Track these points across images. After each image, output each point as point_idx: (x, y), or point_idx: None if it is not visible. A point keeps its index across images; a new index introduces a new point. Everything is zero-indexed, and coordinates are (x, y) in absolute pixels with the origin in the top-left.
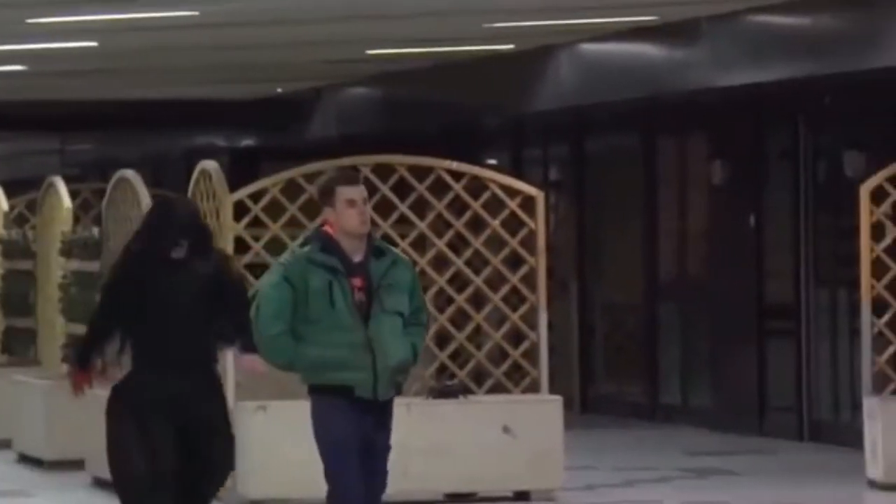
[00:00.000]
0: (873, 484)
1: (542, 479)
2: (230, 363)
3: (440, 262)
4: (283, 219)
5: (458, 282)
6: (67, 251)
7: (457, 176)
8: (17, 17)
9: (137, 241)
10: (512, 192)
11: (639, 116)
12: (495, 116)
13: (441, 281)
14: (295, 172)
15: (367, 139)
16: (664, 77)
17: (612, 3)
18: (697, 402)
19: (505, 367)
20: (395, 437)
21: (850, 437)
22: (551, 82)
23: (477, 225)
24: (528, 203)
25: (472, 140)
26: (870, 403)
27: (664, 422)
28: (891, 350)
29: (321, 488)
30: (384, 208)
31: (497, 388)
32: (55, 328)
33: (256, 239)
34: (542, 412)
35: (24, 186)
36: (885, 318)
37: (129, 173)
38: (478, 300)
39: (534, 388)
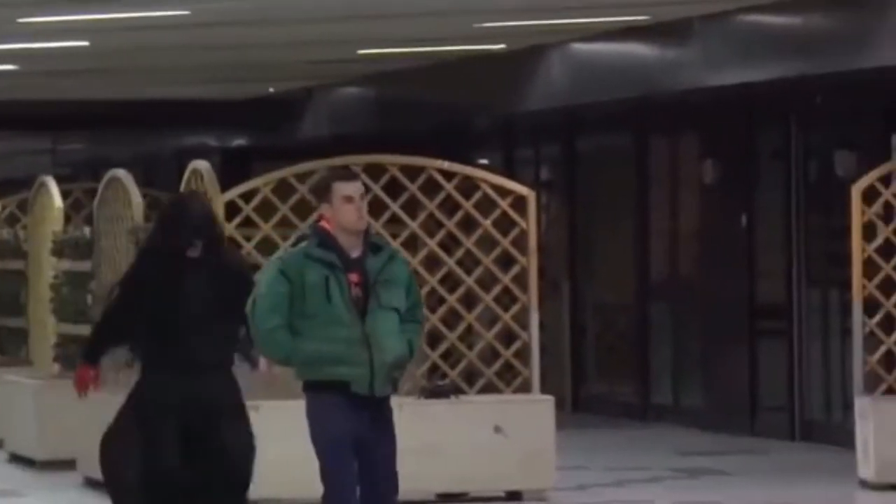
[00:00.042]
0: (865, 484)
1: (533, 478)
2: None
3: (432, 262)
4: (275, 219)
5: (450, 282)
6: (59, 251)
7: (448, 176)
8: (7, 17)
9: (153, 240)
10: (503, 192)
11: (630, 116)
12: (487, 116)
13: (433, 281)
14: (286, 172)
15: (358, 139)
16: (656, 77)
17: (604, 3)
18: (689, 402)
19: (496, 367)
20: None
21: (841, 436)
22: (543, 82)
23: (468, 225)
24: (519, 203)
25: (464, 140)
26: (861, 403)
27: (656, 422)
28: (882, 350)
29: (315, 488)
30: (376, 208)
31: (488, 388)
32: (46, 328)
33: (248, 239)
34: (534, 412)
35: (16, 186)
36: (877, 317)
37: (121, 173)
38: (469, 300)
39: (525, 387)
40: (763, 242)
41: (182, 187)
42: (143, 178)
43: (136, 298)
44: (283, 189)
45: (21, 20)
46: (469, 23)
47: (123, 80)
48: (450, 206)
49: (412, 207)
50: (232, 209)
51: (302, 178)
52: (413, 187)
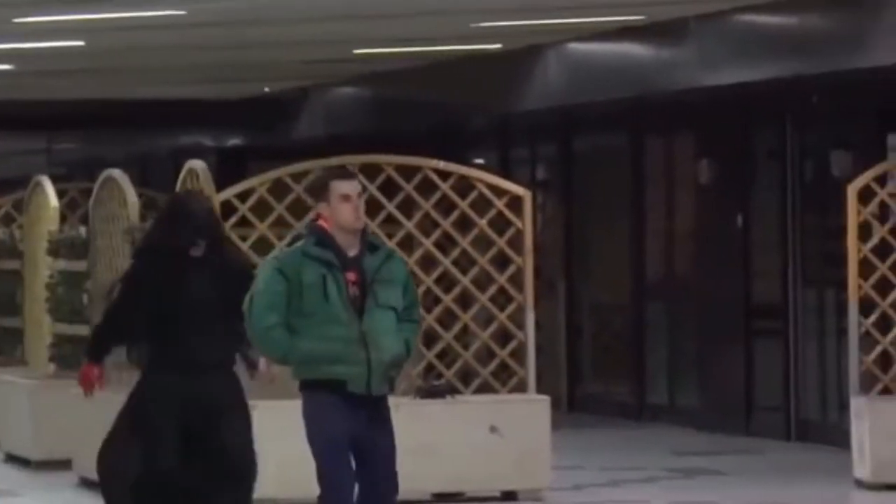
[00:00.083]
0: (860, 483)
1: (529, 478)
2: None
3: (427, 262)
4: (271, 218)
5: (446, 281)
6: (54, 251)
7: (444, 175)
8: (3, 17)
9: (154, 239)
10: (499, 192)
11: (626, 116)
12: (482, 116)
13: (428, 281)
14: (282, 172)
15: (354, 139)
16: (651, 76)
17: (600, 3)
18: (684, 402)
19: (492, 366)
20: None
21: (837, 436)
22: (538, 82)
23: (464, 224)
24: (515, 203)
25: (460, 139)
26: (857, 403)
27: (651, 422)
28: (878, 350)
29: (311, 488)
30: (371, 208)
31: (484, 388)
32: (42, 328)
33: (244, 239)
34: (530, 412)
35: (11, 186)
36: (873, 317)
37: (116, 173)
38: (465, 300)
39: (521, 387)
40: (759, 242)
41: (178, 187)
42: (139, 177)
43: (139, 297)
44: (278, 189)
45: (16, 20)
46: (465, 22)
47: (119, 80)
48: (445, 206)
49: (408, 207)
50: (227, 209)
51: (297, 177)
52: (409, 187)
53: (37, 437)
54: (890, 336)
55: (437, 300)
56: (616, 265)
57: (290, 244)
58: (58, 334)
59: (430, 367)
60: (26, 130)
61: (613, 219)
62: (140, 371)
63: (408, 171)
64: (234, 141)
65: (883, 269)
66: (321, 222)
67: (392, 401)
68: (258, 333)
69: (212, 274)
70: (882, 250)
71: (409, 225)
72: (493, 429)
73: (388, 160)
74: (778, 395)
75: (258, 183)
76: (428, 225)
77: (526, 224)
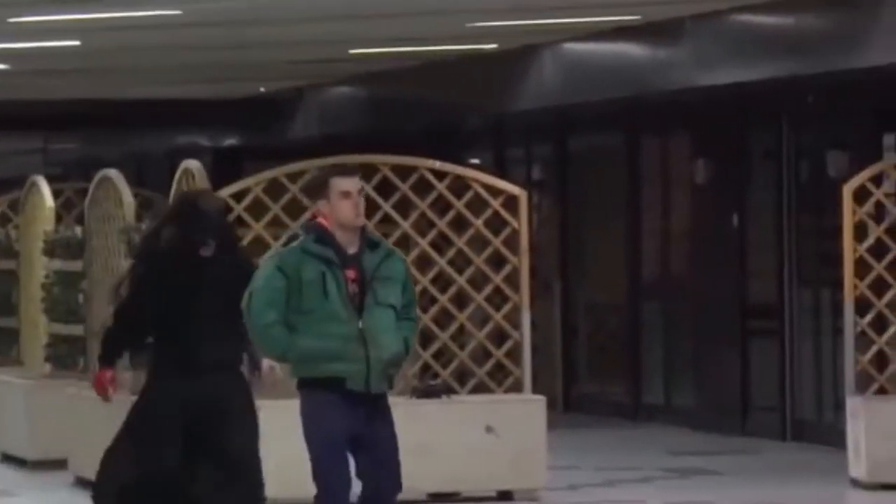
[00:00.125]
0: (856, 483)
1: (525, 478)
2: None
3: (424, 262)
4: (266, 218)
5: (442, 281)
6: (50, 251)
7: (440, 175)
8: None
9: (164, 239)
10: (495, 192)
11: (622, 116)
12: (478, 116)
13: (424, 280)
14: (278, 172)
15: (349, 139)
16: (647, 76)
17: (596, 3)
18: (680, 402)
19: (488, 366)
20: None
21: (833, 436)
22: (534, 82)
23: (460, 224)
24: (511, 202)
25: (455, 139)
26: (853, 403)
27: (647, 422)
28: (874, 350)
29: (309, 488)
30: (367, 208)
31: (480, 388)
32: (38, 328)
33: (239, 239)
34: (525, 412)
35: (7, 186)
36: (868, 317)
37: (112, 172)
38: (461, 300)
39: (517, 387)
40: (755, 242)
41: (174, 187)
42: (135, 177)
43: (149, 300)
44: (274, 189)
45: (12, 20)
46: (461, 22)
47: (114, 80)
48: (441, 206)
49: (404, 207)
50: None
51: (293, 177)
52: (405, 187)
53: (32, 436)
54: (886, 336)
55: (433, 300)
56: (612, 265)
57: (285, 244)
58: (53, 334)
59: (426, 367)
60: (22, 130)
61: (609, 219)
62: (148, 372)
63: (404, 171)
64: (229, 141)
65: (879, 268)
66: (321, 219)
67: (389, 400)
68: (257, 330)
69: (220, 275)
70: (878, 250)
71: (405, 225)
72: (488, 429)
73: (384, 160)
74: (774, 394)
75: (254, 183)
76: (424, 225)
77: (522, 224)
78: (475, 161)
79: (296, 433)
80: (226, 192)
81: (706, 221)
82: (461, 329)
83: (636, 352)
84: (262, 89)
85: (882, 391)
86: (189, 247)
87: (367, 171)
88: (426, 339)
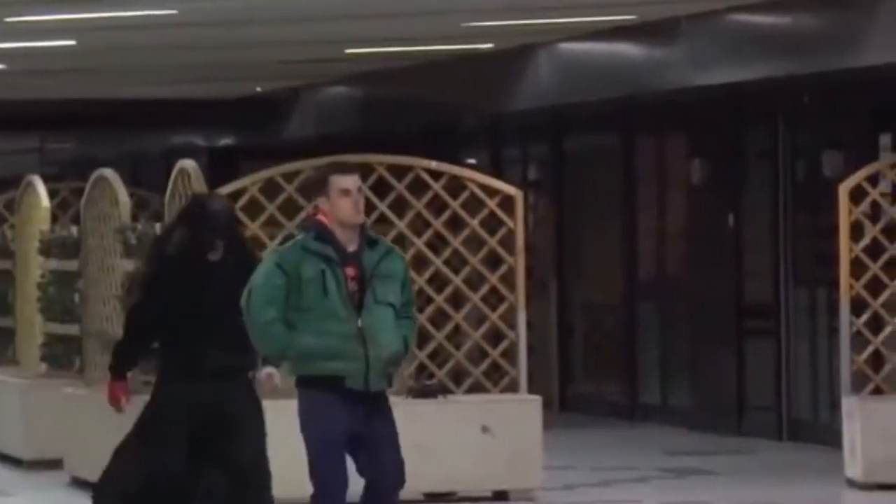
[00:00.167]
0: (852, 483)
1: (520, 478)
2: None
3: (419, 262)
4: (262, 218)
5: (438, 281)
6: (46, 250)
7: (436, 175)
8: None
9: (174, 243)
10: (491, 192)
11: (618, 116)
12: (474, 116)
13: (420, 280)
14: (273, 172)
15: (345, 138)
16: (643, 76)
17: (591, 3)
18: (676, 402)
19: (484, 366)
20: None
21: (828, 436)
22: (530, 81)
23: (456, 224)
24: (507, 202)
25: (451, 139)
26: (848, 403)
27: (643, 421)
28: (869, 349)
29: (306, 488)
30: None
31: (476, 388)
32: (34, 327)
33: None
34: (521, 412)
35: (3, 185)
36: (864, 317)
37: (108, 172)
38: (457, 300)
39: (513, 387)
40: (750, 242)
41: (169, 187)
42: (131, 177)
43: (158, 309)
44: (270, 188)
45: (8, 19)
46: (456, 22)
47: (110, 80)
48: (437, 206)
49: (400, 207)
50: None
51: (289, 177)
52: (400, 187)
53: (28, 436)
54: (881, 336)
55: (429, 300)
56: (608, 265)
57: (281, 243)
58: (49, 334)
59: (421, 367)
60: (18, 130)
61: (605, 219)
62: (155, 378)
63: (399, 171)
64: (225, 141)
65: (874, 268)
66: (321, 217)
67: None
68: (256, 328)
69: (227, 278)
70: (873, 250)
71: (401, 225)
72: (484, 429)
73: (380, 160)
74: (770, 394)
75: (250, 183)
76: (420, 225)
77: (517, 224)
78: (471, 161)
79: (295, 433)
80: (222, 191)
81: (702, 221)
82: (457, 329)
83: (632, 352)
84: (257, 89)
85: (878, 391)
86: (197, 248)
87: (362, 171)
88: (422, 338)
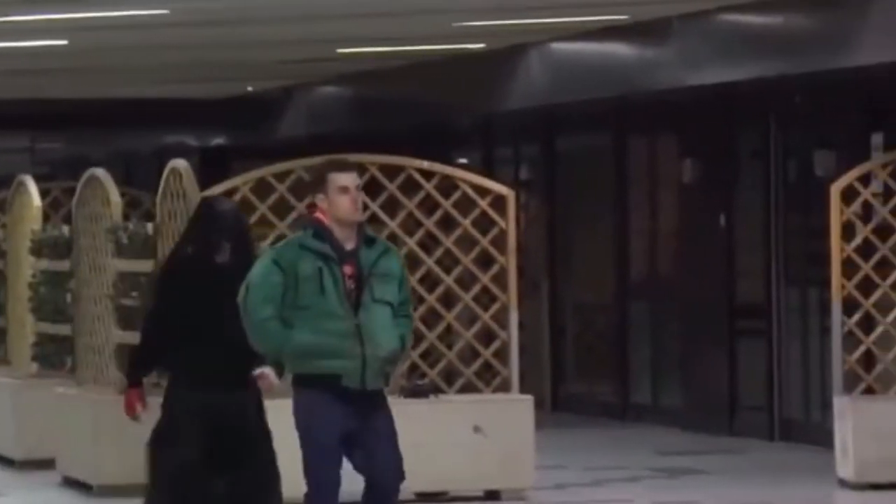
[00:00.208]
0: (844, 483)
1: (512, 478)
2: None
3: (411, 262)
4: (254, 218)
5: (429, 281)
6: (37, 250)
7: (428, 175)
8: None
9: (185, 249)
10: (483, 192)
11: (610, 115)
12: (466, 115)
13: (412, 280)
14: (265, 171)
15: (337, 138)
16: (635, 76)
17: (583, 2)
18: (668, 402)
19: (476, 366)
20: None
21: (820, 436)
22: (522, 81)
23: (448, 224)
24: (498, 202)
25: (443, 139)
26: (840, 403)
27: (635, 421)
28: (861, 349)
29: (300, 488)
30: None
31: (468, 388)
32: (25, 327)
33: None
34: (513, 411)
35: None
36: (856, 317)
37: (100, 172)
38: (448, 299)
39: (504, 387)
40: (742, 242)
41: (161, 186)
42: (122, 177)
43: (169, 316)
44: (261, 188)
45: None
46: (448, 22)
47: (102, 79)
48: (429, 206)
49: (391, 207)
50: None
51: (281, 177)
52: (392, 187)
53: (20, 436)
54: (873, 336)
55: (421, 299)
56: (599, 265)
57: (272, 244)
58: (40, 333)
59: (413, 367)
60: (9, 129)
61: (597, 218)
62: (168, 383)
63: (391, 171)
64: (217, 140)
65: (866, 268)
66: (318, 215)
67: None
68: (253, 325)
69: (234, 282)
70: (865, 250)
71: (393, 224)
72: (476, 428)
73: (372, 160)
74: (761, 394)
75: (241, 182)
76: (411, 224)
77: (509, 224)
78: (463, 161)
79: (281, 434)
80: (213, 191)
81: (694, 221)
82: (449, 329)
83: (624, 351)
84: (249, 89)
85: (869, 391)
86: (206, 249)
87: None
88: (414, 338)
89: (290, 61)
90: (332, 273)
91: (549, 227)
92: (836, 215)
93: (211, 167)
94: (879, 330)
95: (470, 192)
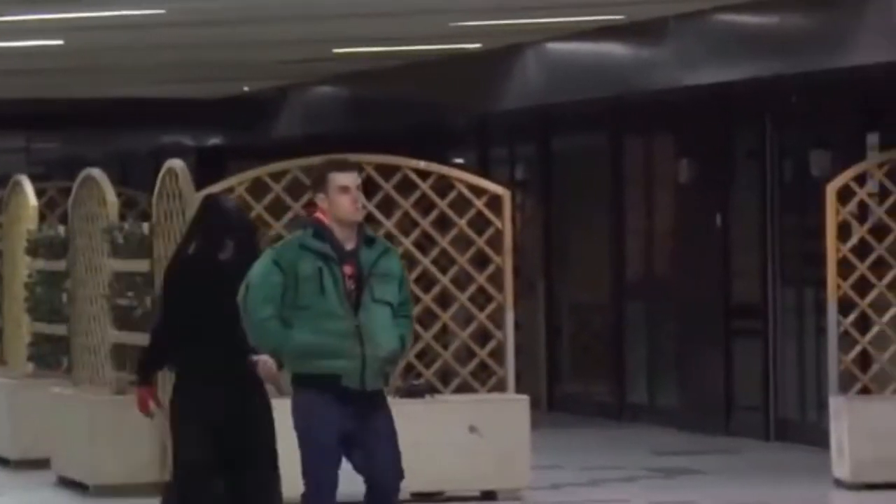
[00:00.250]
0: (839, 483)
1: (508, 478)
2: None
3: (407, 262)
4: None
5: (425, 281)
6: (33, 250)
7: (423, 175)
8: None
9: (189, 246)
10: (478, 192)
11: (605, 115)
12: (462, 115)
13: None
14: (261, 171)
15: (333, 138)
16: (631, 76)
17: (579, 2)
18: (664, 402)
19: (471, 366)
20: None
21: (816, 436)
22: (518, 81)
23: (443, 224)
24: (494, 202)
25: (439, 139)
26: (836, 403)
27: (631, 421)
28: (857, 349)
29: (297, 487)
30: None
31: (464, 388)
32: (21, 327)
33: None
34: (509, 411)
35: None
36: (851, 317)
37: (96, 172)
38: (444, 299)
39: (500, 387)
40: (738, 242)
41: (157, 186)
42: (118, 177)
43: (176, 315)
44: (257, 188)
45: None
46: (444, 22)
47: (98, 79)
48: (425, 206)
49: (387, 207)
50: None
51: (276, 177)
52: (388, 186)
53: (15, 436)
54: (869, 336)
55: (417, 299)
56: (595, 265)
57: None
58: (36, 333)
59: (409, 367)
60: (5, 129)
61: (593, 218)
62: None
63: (387, 171)
64: (213, 140)
65: (862, 268)
66: (318, 215)
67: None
68: (254, 325)
69: (237, 279)
70: (861, 250)
71: (389, 224)
72: (472, 428)
73: (368, 160)
74: (757, 394)
75: (237, 182)
76: (407, 224)
77: (505, 223)
78: (459, 161)
79: (291, 433)
80: (209, 191)
81: (690, 221)
82: (445, 329)
83: (620, 351)
84: (245, 89)
85: (865, 391)
86: (210, 247)
87: None
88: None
89: (287, 61)
90: (332, 273)
91: (545, 227)
92: (832, 215)
93: (207, 167)
94: (875, 330)
95: (466, 192)
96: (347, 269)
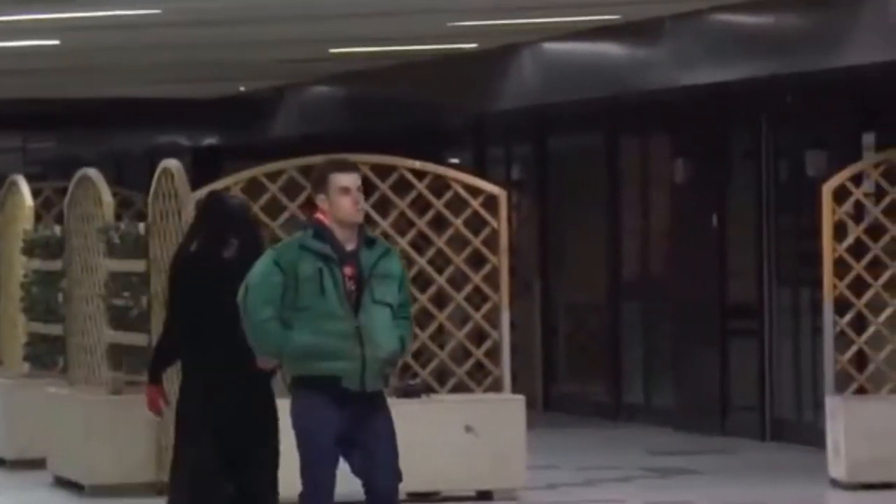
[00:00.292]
0: (836, 483)
1: (504, 478)
2: None
3: (403, 262)
4: None
5: (421, 281)
6: (29, 250)
7: (420, 175)
8: None
9: (192, 244)
10: (475, 191)
11: (602, 115)
12: (458, 115)
13: None
14: (257, 171)
15: (329, 138)
16: (627, 76)
17: (575, 2)
18: (660, 402)
19: (467, 366)
20: None
21: (812, 436)
22: (514, 81)
23: (440, 224)
24: (490, 202)
25: (435, 139)
26: (832, 403)
27: (627, 421)
28: (853, 349)
29: (295, 488)
30: None
31: (460, 388)
32: (17, 327)
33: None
34: (505, 411)
35: None
36: (847, 317)
37: (92, 172)
38: (440, 299)
39: (496, 387)
40: (734, 242)
41: (153, 186)
42: (114, 176)
43: (179, 313)
44: (253, 188)
45: None
46: (441, 22)
47: (94, 79)
48: (421, 206)
49: (383, 207)
50: None
51: (272, 177)
52: (384, 186)
53: (11, 436)
54: (865, 335)
55: (413, 299)
56: (591, 265)
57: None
58: (32, 333)
59: (405, 367)
60: (1, 129)
61: (589, 218)
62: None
63: (383, 171)
64: (209, 140)
65: (858, 268)
66: (319, 215)
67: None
68: (253, 326)
69: (239, 279)
70: (857, 250)
71: (385, 224)
72: (468, 428)
73: (364, 160)
74: (753, 394)
75: (233, 182)
76: (403, 224)
77: (501, 223)
78: (455, 161)
79: (289, 433)
80: (205, 191)
81: (686, 221)
82: (441, 328)
83: (616, 351)
84: (241, 89)
85: (861, 391)
86: (213, 244)
87: None
88: None
89: (283, 61)
90: (332, 274)
91: (542, 226)
92: (828, 215)
93: (203, 167)
94: (871, 330)
95: (462, 191)
96: (348, 270)
